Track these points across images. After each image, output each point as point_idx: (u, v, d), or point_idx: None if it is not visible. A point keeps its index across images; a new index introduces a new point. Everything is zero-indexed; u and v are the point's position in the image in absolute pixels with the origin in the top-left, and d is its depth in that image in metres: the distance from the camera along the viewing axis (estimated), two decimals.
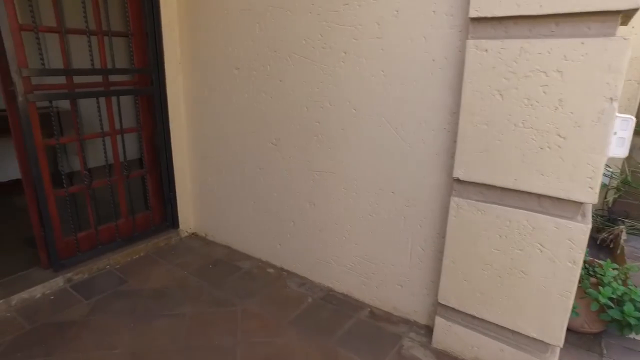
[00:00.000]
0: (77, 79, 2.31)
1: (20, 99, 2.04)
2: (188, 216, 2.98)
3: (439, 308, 1.86)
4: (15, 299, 2.17)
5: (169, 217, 2.88)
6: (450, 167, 1.75)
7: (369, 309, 2.18)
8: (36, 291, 2.24)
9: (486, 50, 1.44)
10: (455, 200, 1.68)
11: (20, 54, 2.03)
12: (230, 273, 2.50)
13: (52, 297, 2.25)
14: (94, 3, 2.29)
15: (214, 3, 2.38)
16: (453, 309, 1.79)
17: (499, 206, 1.56)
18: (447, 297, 1.80)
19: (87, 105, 2.61)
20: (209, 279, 2.43)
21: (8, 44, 1.97)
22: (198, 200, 2.92)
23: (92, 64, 2.32)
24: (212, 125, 2.63)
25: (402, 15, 1.74)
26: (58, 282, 2.32)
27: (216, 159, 2.68)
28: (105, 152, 2.48)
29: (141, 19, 2.50)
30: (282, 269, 2.54)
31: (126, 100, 2.63)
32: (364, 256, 2.15)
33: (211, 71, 2.52)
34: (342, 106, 2.01)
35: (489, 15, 1.40)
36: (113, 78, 2.48)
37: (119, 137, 2.54)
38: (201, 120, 2.69)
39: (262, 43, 2.21)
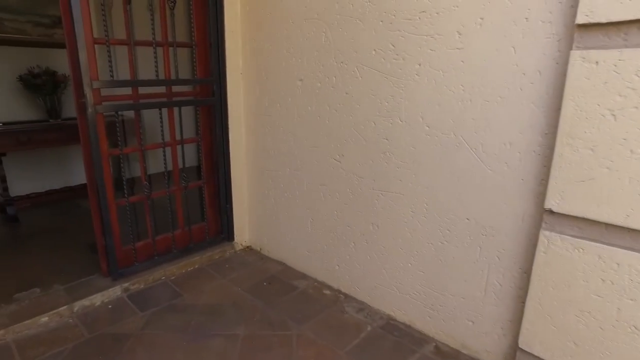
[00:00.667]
0: (141, 90, 2.31)
1: (89, 110, 2.06)
2: (243, 229, 2.92)
3: (519, 353, 1.63)
4: (77, 305, 2.19)
5: (224, 229, 2.83)
6: (538, 195, 1.53)
7: (434, 344, 1.98)
8: (96, 299, 2.25)
9: (597, 62, 1.23)
10: (545, 234, 1.46)
11: (93, 66, 2.06)
12: (285, 292, 2.40)
13: (110, 306, 2.25)
14: (161, 15, 2.29)
15: (278, 13, 2.30)
16: (537, 358, 1.57)
17: (604, 245, 1.33)
18: (530, 342, 1.57)
19: (148, 114, 2.63)
20: (264, 298, 2.33)
21: (83, 58, 1.99)
22: (254, 213, 2.86)
23: (157, 75, 2.31)
24: (272, 137, 2.55)
25: (487, 24, 1.56)
26: (116, 291, 2.33)
27: (275, 172, 2.60)
28: (165, 162, 2.47)
29: (205, 29, 2.48)
30: (339, 291, 2.40)
31: (186, 110, 2.61)
32: (431, 285, 1.96)
33: (273, 82, 2.45)
34: (414, 123, 1.85)
35: (603, 20, 1.19)
36: (175, 88, 2.47)
37: (179, 147, 2.53)
38: (261, 132, 2.62)
39: (328, 54, 2.10)
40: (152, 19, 2.23)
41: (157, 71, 2.31)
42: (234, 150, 2.71)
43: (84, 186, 3.90)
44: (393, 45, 1.85)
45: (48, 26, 3.66)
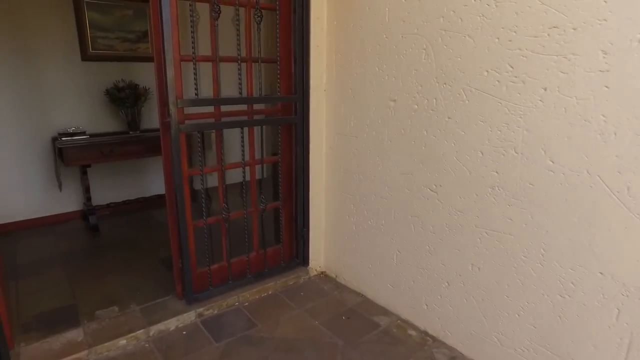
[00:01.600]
0: (223, 107, 2.23)
1: (173, 129, 2.00)
2: (319, 254, 2.77)
3: None
4: (153, 329, 2.13)
5: (299, 254, 2.69)
6: None
7: None
8: (171, 324, 2.19)
9: None
10: None
11: (178, 85, 2.00)
12: (367, 330, 2.20)
13: (184, 332, 2.17)
14: (246, 30, 2.20)
15: (370, 27, 2.13)
16: None
17: None
18: None
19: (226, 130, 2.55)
20: (343, 335, 2.15)
21: (170, 75, 1.94)
22: (331, 238, 2.69)
23: (240, 92, 2.22)
24: (356, 160, 2.37)
25: None
26: (190, 316, 2.25)
27: (358, 197, 2.42)
28: (243, 182, 2.37)
29: (289, 44, 2.36)
30: (426, 333, 2.16)
31: (266, 128, 2.51)
32: (545, 344, 1.68)
33: (360, 101, 2.27)
34: (534, 156, 1.59)
35: None
36: (257, 105, 2.37)
37: (257, 167, 2.43)
38: (344, 154, 2.45)
39: (429, 73, 1.89)
40: (238, 34, 2.14)
41: (240, 88, 2.21)
42: (313, 171, 2.57)
43: (157, 197, 3.97)
44: (511, 67, 1.60)
45: (133, 41, 3.75)
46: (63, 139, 3.23)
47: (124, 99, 3.43)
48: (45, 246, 3.17)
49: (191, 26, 2.00)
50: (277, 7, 2.24)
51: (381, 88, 2.14)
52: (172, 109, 1.98)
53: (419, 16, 1.89)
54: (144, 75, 3.83)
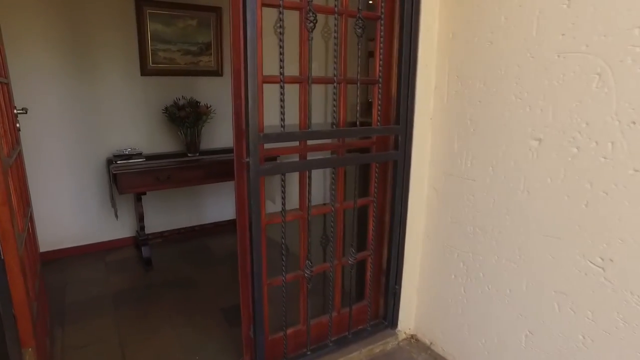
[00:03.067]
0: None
1: (252, 172, 1.59)
2: (410, 314, 2.28)
3: None
4: None
5: (388, 314, 2.21)
6: None
7: None
8: None
9: None
10: None
11: (261, 115, 1.59)
12: None
13: None
14: (342, 45, 1.77)
15: (508, 42, 1.64)
16: None
17: None
18: None
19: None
20: None
21: (252, 103, 1.53)
22: (427, 296, 2.20)
23: (333, 121, 1.79)
24: (472, 209, 1.88)
25: None
26: None
27: (472, 255, 1.91)
28: (331, 227, 1.93)
29: (391, 61, 1.91)
30: None
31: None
32: None
33: (484, 136, 1.78)
34: None
35: None
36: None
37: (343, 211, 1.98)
38: (453, 200, 1.96)
39: (603, 106, 1.38)
40: (336, 49, 1.71)
41: (334, 116, 1.78)
42: (412, 218, 2.09)
43: (214, 225, 3.61)
44: None
45: (195, 54, 3.44)
46: (118, 162, 2.93)
47: (184, 118, 3.10)
48: (96, 282, 2.87)
49: (280, 39, 1.58)
50: (381, 16, 1.80)
51: (518, 122, 1.64)
52: (253, 147, 1.57)
53: (591, 28, 1.38)
54: (205, 91, 3.51)
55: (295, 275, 1.91)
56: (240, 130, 1.62)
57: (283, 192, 1.74)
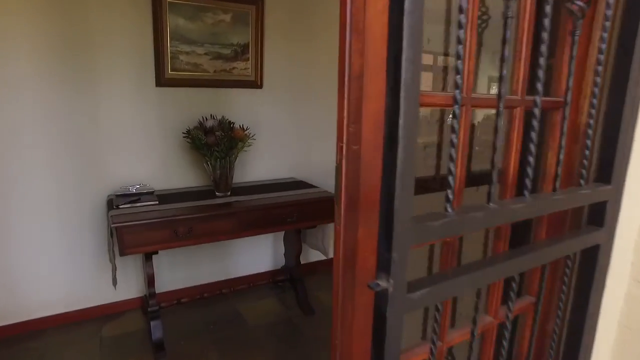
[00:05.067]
0: None
1: (394, 305, 0.70)
2: None
3: None
4: None
5: None
6: None
7: None
8: None
9: None
10: None
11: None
12: None
13: None
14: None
15: None
16: None
17: None
18: None
19: None
20: None
21: (404, 151, 0.65)
22: None
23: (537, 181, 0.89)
24: None
25: None
26: None
27: None
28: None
29: (586, 69, 1.02)
30: None
31: None
32: None
33: None
34: None
35: None
36: None
37: None
38: None
39: None
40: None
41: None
42: (600, 335, 1.18)
43: (244, 281, 2.73)
44: None
45: (228, 59, 2.60)
46: (121, 206, 2.09)
47: (213, 145, 2.25)
48: None
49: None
50: None
51: None
52: (399, 252, 0.68)
53: None
54: (240, 107, 2.66)
55: None
56: (355, 203, 0.75)
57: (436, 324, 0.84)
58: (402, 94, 0.63)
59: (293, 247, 2.73)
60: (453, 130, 0.74)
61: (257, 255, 2.96)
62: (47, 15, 2.10)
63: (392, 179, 0.66)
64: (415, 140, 0.67)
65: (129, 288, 2.61)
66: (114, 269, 2.18)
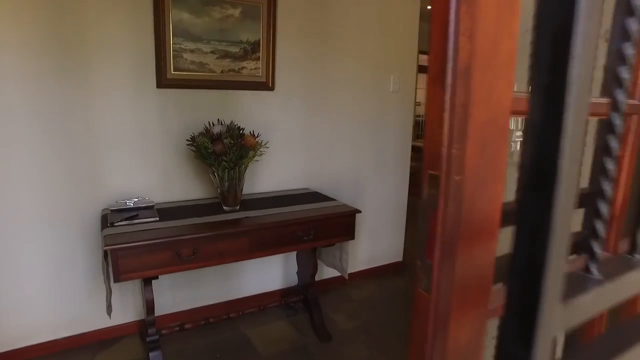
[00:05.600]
0: None
1: None
2: None
3: None
4: None
5: None
6: None
7: None
8: None
9: None
10: None
11: None
12: None
13: None
14: None
15: None
16: None
17: None
18: None
19: None
20: None
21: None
22: None
23: None
24: None
25: None
26: None
27: None
28: None
29: None
30: None
31: None
32: None
33: None
34: None
35: None
36: None
37: None
38: None
39: None
40: None
41: None
42: None
43: (253, 301, 2.46)
44: None
45: (236, 57, 2.35)
46: (116, 224, 1.83)
47: (221, 154, 1.99)
48: None
49: None
50: None
51: None
52: (542, 355, 0.42)
53: None
54: (249, 111, 2.42)
55: None
56: (450, 259, 0.49)
57: None
58: (570, 99, 0.38)
59: (307, 266, 2.48)
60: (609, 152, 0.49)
61: (266, 272, 2.70)
62: (32, 5, 1.85)
63: (539, 239, 0.41)
64: (579, 176, 0.42)
65: (126, 311, 2.35)
66: (109, 294, 1.93)
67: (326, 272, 2.87)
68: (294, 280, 2.77)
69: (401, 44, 2.96)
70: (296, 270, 2.67)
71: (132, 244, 1.68)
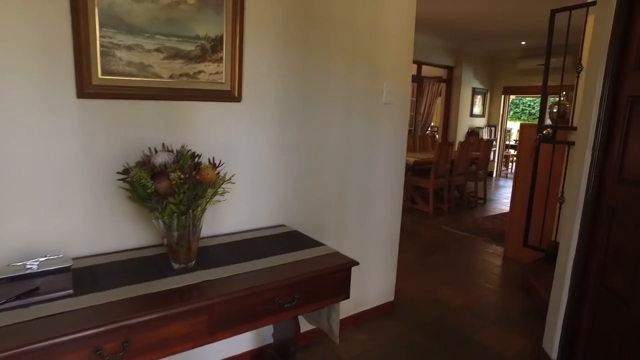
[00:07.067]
0: None
1: None
2: None
3: None
4: None
5: None
6: None
7: None
8: None
9: None
10: None
11: None
12: None
13: None
14: None
15: None
16: None
17: None
18: None
19: None
20: None
21: None
22: None
23: None
24: None
25: None
26: None
27: None
28: None
29: None
30: None
31: None
32: None
33: None
34: None
35: None
36: None
37: None
38: None
39: None
40: None
41: None
42: None
43: None
44: None
45: (191, 58, 1.76)
46: (4, 301, 1.20)
47: (167, 195, 1.39)
48: None
49: None
50: None
51: None
52: None
53: None
54: (209, 131, 1.83)
55: None
56: None
57: None
58: None
59: (286, 329, 1.91)
60: None
61: None
62: None
63: None
64: None
65: None
66: None
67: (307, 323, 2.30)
68: (268, 337, 2.20)
69: (395, 48, 2.46)
70: (271, 332, 2.09)
71: (18, 350, 1.05)
